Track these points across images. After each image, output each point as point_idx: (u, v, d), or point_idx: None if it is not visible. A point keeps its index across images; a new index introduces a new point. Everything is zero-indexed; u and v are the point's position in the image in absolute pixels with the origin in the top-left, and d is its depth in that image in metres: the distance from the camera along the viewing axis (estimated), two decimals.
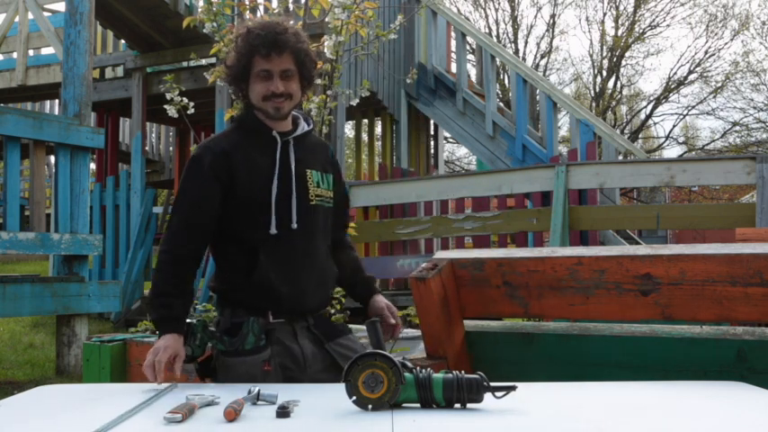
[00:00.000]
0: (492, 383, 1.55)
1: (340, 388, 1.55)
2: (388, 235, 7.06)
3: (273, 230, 2.05)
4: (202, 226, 2.07)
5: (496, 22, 21.50)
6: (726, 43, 26.21)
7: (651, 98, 22.20)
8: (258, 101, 2.08)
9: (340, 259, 2.27)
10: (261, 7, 4.21)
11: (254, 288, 2.05)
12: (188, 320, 2.05)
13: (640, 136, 22.79)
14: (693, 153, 21.79)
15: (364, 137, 10.50)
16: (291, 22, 2.15)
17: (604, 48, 21.54)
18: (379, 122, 10.49)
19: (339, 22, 3.90)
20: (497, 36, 20.91)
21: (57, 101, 10.29)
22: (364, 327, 1.88)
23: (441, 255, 2.65)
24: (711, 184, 11.08)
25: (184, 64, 8.59)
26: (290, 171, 2.09)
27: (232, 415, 1.44)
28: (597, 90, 21.64)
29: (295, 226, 2.07)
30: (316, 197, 2.14)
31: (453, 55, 9.60)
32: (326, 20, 4.02)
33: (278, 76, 2.04)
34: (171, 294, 2.01)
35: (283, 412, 1.47)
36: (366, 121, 10.47)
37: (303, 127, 2.19)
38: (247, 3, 4.03)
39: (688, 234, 16.19)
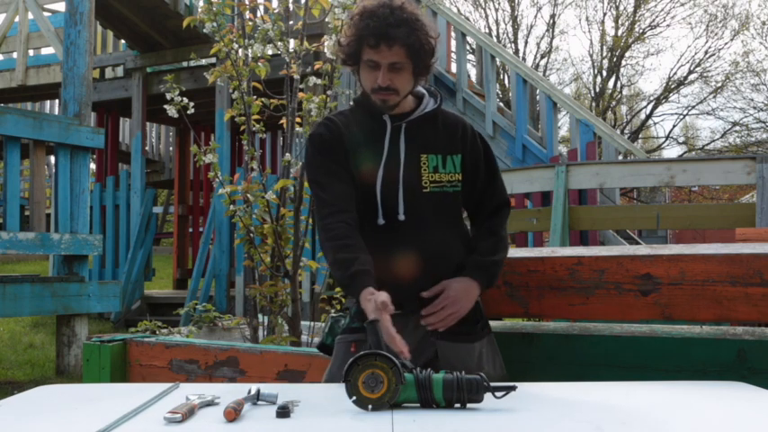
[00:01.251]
0: (492, 383, 1.55)
1: (340, 388, 1.55)
2: None
3: (381, 221, 1.97)
4: (336, 194, 1.97)
5: (496, 22, 21.53)
6: (726, 43, 26.23)
7: (651, 98, 22.24)
8: (367, 90, 2.01)
9: (473, 243, 2.12)
10: (261, 7, 4.21)
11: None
12: (331, 314, 2.04)
13: (640, 136, 22.82)
14: (693, 153, 21.80)
15: None
16: (407, 4, 1.96)
17: (604, 48, 21.57)
18: None
19: (339, 22, 3.89)
20: (497, 36, 20.92)
21: (57, 101, 10.29)
22: None
23: None
24: (711, 184, 11.08)
25: (184, 64, 8.60)
26: (399, 158, 1.99)
27: (232, 415, 1.44)
28: (597, 90, 21.66)
29: (402, 217, 1.97)
30: (431, 184, 2.00)
31: (453, 55, 9.61)
32: (326, 20, 4.02)
33: (385, 68, 1.93)
34: (349, 249, 1.89)
35: (283, 412, 1.47)
36: None
37: (425, 107, 2.06)
38: (247, 3, 4.03)
39: (688, 234, 16.19)
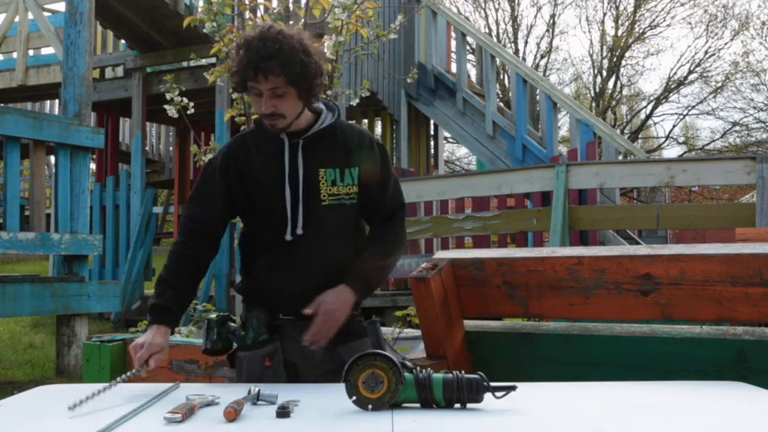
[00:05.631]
0: (492, 383, 1.55)
1: (340, 388, 1.55)
2: None
3: (288, 236, 2.05)
4: (202, 221, 2.11)
5: (496, 22, 21.53)
6: (726, 43, 26.20)
7: (651, 98, 22.24)
8: (259, 115, 2.09)
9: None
10: (261, 7, 4.21)
11: (259, 290, 2.10)
12: (208, 317, 2.09)
13: (640, 136, 22.80)
14: (693, 153, 21.80)
15: None
16: (288, 30, 2.06)
17: (604, 48, 21.56)
18: (379, 122, 10.50)
19: (339, 22, 3.90)
20: (497, 36, 20.91)
21: (57, 101, 10.29)
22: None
23: (441, 255, 2.65)
24: (711, 184, 11.08)
25: (184, 64, 8.59)
26: (298, 174, 2.07)
27: (232, 415, 1.44)
28: (597, 90, 21.65)
29: (300, 232, 2.05)
30: (329, 197, 2.08)
31: (453, 55, 9.61)
32: (327, 20, 4.02)
33: (267, 95, 2.00)
34: (165, 283, 2.06)
35: (283, 412, 1.48)
36: (366, 121, 10.48)
37: (322, 122, 2.13)
38: (247, 3, 4.02)
39: (688, 234, 16.18)
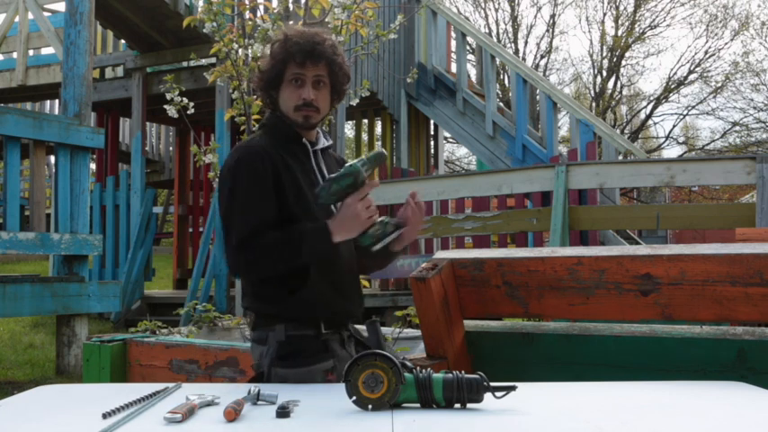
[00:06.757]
0: (492, 383, 1.55)
1: (340, 388, 1.55)
2: None
3: (337, 238, 1.97)
4: (272, 221, 1.99)
5: (496, 22, 21.53)
6: (726, 43, 26.26)
7: (651, 98, 22.24)
8: (289, 110, 2.06)
9: None
10: (261, 7, 4.21)
11: (307, 304, 2.00)
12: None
13: (640, 136, 22.80)
14: (693, 153, 21.80)
15: (364, 137, 10.51)
16: (330, 36, 2.12)
17: (604, 48, 21.56)
18: (379, 122, 10.50)
19: (339, 22, 3.90)
20: (497, 36, 20.91)
21: (57, 101, 10.29)
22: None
23: (441, 255, 2.65)
24: (711, 184, 11.08)
25: (184, 64, 8.60)
26: (320, 181, 2.07)
27: (232, 415, 1.44)
28: (597, 90, 21.64)
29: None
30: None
31: (453, 55, 9.61)
32: (326, 20, 4.02)
33: (310, 83, 2.03)
34: (289, 236, 1.95)
35: (283, 412, 1.48)
36: (366, 121, 10.48)
37: (324, 141, 2.17)
38: (247, 3, 4.02)
39: (688, 234, 16.18)
